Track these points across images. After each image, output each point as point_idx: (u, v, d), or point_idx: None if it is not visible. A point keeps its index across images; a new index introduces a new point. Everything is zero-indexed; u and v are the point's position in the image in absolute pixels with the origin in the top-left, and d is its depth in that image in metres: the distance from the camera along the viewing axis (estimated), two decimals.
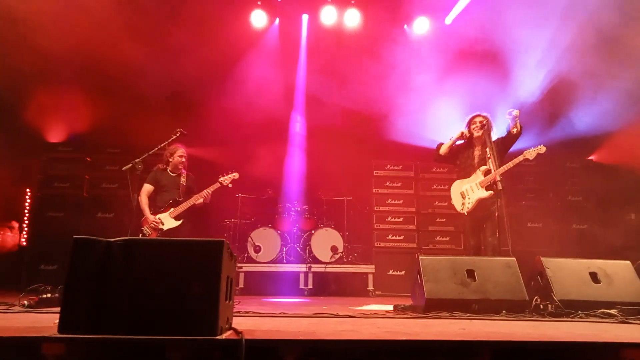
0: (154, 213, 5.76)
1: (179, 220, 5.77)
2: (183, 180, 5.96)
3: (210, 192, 5.85)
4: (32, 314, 3.42)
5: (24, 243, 7.74)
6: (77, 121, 7.95)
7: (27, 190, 8.07)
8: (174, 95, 7.88)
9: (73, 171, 7.78)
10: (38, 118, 7.76)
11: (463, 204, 5.33)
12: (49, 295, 3.89)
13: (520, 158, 5.10)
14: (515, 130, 5.17)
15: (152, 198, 5.89)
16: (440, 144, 5.62)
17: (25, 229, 7.86)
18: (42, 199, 7.68)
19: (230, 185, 5.97)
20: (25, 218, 7.93)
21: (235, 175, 5.98)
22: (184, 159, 5.98)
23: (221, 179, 5.91)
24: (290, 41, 8.43)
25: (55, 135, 8.13)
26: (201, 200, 5.83)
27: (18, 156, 7.97)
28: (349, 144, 7.99)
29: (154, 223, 5.67)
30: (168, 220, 5.75)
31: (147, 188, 5.89)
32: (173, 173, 6.00)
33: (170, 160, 5.95)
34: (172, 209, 5.78)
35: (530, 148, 5.14)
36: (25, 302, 3.75)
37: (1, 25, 6.26)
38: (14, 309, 3.62)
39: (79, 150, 7.92)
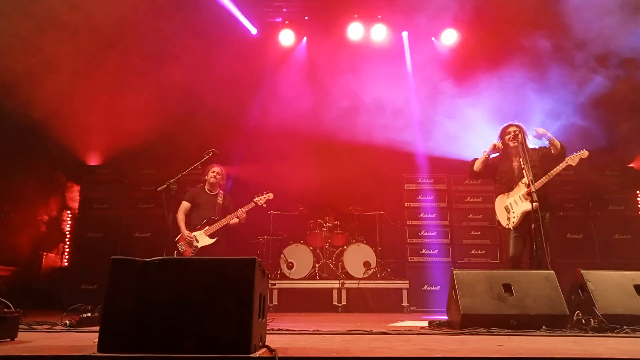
0: (190, 230, 5.90)
1: (213, 238, 5.89)
2: (220, 200, 6.11)
3: (244, 212, 5.97)
4: (73, 333, 3.52)
5: (66, 264, 8.01)
6: (113, 144, 8.22)
7: (68, 212, 8.38)
8: (206, 115, 8.07)
9: (111, 193, 8.04)
10: (77, 142, 8.07)
11: (508, 218, 5.13)
12: (89, 314, 4.00)
13: (563, 165, 4.93)
14: (554, 150, 5.03)
15: (188, 215, 6.05)
16: (475, 160, 5.48)
17: (67, 250, 8.14)
18: (82, 221, 7.95)
19: (264, 205, 6.11)
20: (67, 239, 8.22)
21: (270, 195, 6.11)
22: (216, 174, 6.10)
23: (256, 199, 6.06)
24: (318, 58, 8.53)
25: (94, 158, 8.44)
26: (236, 220, 5.96)
27: (59, 179, 8.32)
28: (379, 158, 7.97)
29: (189, 239, 5.80)
30: (203, 238, 5.87)
31: (185, 205, 6.06)
32: (210, 192, 6.14)
33: (206, 179, 6.14)
34: (207, 227, 5.90)
35: (572, 154, 4.99)
36: (67, 321, 3.87)
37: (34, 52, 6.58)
38: (56, 328, 3.75)
39: (116, 172, 8.19)
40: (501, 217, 5.26)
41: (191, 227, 5.94)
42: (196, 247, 5.81)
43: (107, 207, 7.98)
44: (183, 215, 6.00)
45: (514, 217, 5.07)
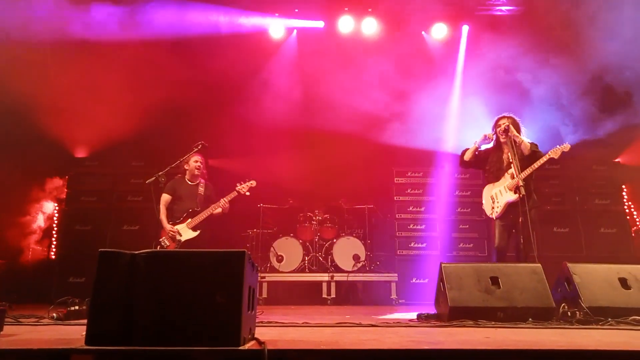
0: (172, 224, 5.74)
1: (196, 230, 5.74)
2: (201, 189, 5.94)
3: (227, 201, 5.82)
4: (61, 326, 3.49)
5: (53, 256, 7.93)
6: (102, 136, 8.13)
7: (56, 204, 8.29)
8: (196, 108, 8.01)
9: (99, 185, 7.96)
10: (65, 134, 7.96)
11: (493, 208, 5.25)
12: (77, 307, 3.97)
13: (546, 158, 4.97)
14: (525, 151, 5.07)
15: (170, 208, 5.87)
16: (465, 150, 5.52)
17: (55, 242, 8.05)
18: (70, 213, 7.86)
19: (248, 193, 5.91)
20: (54, 232, 8.14)
21: (253, 183, 5.93)
22: (199, 164, 5.93)
23: (238, 187, 5.87)
24: (308, 51, 8.51)
25: (82, 150, 8.34)
26: (219, 210, 5.80)
27: (46, 171, 8.21)
28: (369, 152, 7.98)
29: (172, 233, 5.66)
30: (186, 231, 5.73)
31: (165, 198, 5.89)
32: (191, 182, 5.99)
33: (186, 168, 5.94)
34: (189, 220, 5.76)
35: (554, 147, 5.04)
36: (55, 314, 3.84)
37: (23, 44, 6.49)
38: (43, 321, 3.71)
39: (104, 164, 8.10)
40: (487, 206, 5.37)
41: (173, 219, 5.80)
42: (179, 241, 5.65)
43: (95, 199, 7.89)
44: (164, 208, 5.84)
45: (497, 207, 5.16)
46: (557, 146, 5.02)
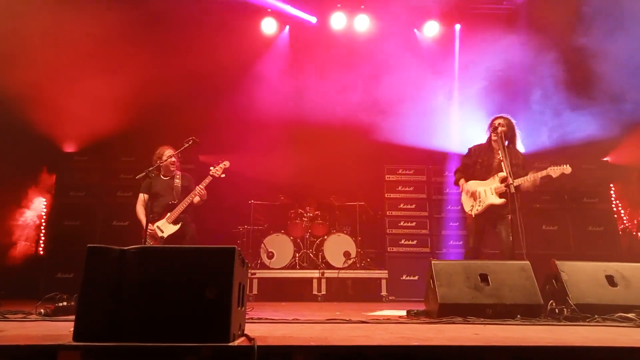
0: (152, 222, 5.51)
1: (177, 223, 5.53)
2: (177, 182, 5.72)
3: (203, 187, 5.59)
4: (48, 322, 3.45)
5: (42, 252, 7.86)
6: (91, 130, 8.05)
7: (44, 199, 8.20)
8: (186, 103, 7.96)
9: (88, 180, 7.89)
10: (53, 128, 7.87)
11: (472, 206, 5.22)
12: (65, 303, 3.93)
13: (544, 173, 4.92)
14: (535, 187, 5.06)
15: (149, 206, 5.54)
16: (458, 173, 5.50)
17: (43, 238, 7.98)
18: (59, 208, 7.79)
19: (223, 175, 5.65)
20: (43, 227, 8.06)
21: (226, 163, 5.68)
22: (172, 159, 5.67)
23: (212, 170, 5.61)
24: (300, 47, 8.49)
25: (71, 144, 8.25)
26: (197, 198, 5.60)
27: (35, 166, 8.12)
28: (360, 149, 7.99)
29: (151, 232, 5.44)
30: (167, 227, 5.53)
31: (141, 198, 5.71)
32: (165, 176, 5.77)
33: (160, 164, 5.65)
34: (168, 214, 5.55)
35: (554, 166, 4.97)
36: (42, 310, 3.80)
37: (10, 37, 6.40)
38: (31, 317, 3.67)
39: (94, 159, 8.03)
40: (465, 201, 5.36)
41: (153, 216, 5.56)
42: (162, 237, 5.47)
43: (84, 194, 7.82)
44: (142, 208, 5.66)
45: (478, 206, 5.16)
46: (558, 166, 4.94)
